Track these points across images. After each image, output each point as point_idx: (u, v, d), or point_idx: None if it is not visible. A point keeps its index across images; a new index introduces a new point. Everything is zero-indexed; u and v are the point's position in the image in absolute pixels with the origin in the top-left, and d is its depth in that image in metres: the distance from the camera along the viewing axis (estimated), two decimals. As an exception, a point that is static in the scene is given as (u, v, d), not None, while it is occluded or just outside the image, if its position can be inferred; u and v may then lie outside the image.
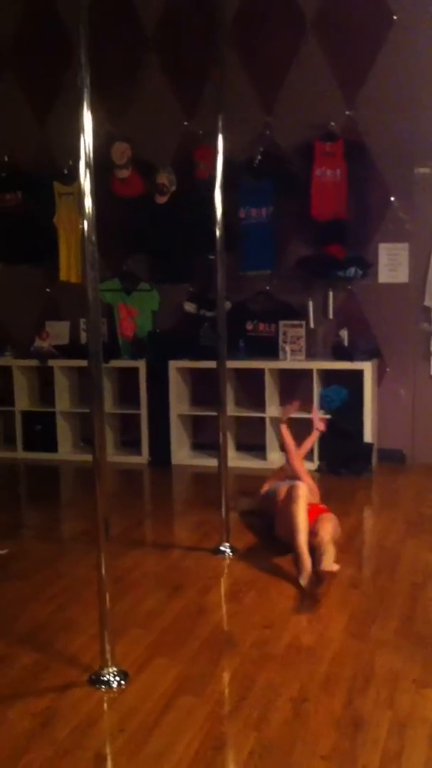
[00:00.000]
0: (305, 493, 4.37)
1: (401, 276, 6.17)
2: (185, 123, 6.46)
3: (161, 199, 6.43)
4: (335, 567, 3.83)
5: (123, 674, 3.10)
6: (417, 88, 5.97)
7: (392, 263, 6.19)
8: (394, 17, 5.97)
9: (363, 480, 5.91)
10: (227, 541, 4.46)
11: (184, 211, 6.26)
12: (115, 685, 3.06)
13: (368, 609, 3.72)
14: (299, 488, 4.35)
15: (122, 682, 3.07)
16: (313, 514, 4.31)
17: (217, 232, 4.41)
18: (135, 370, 6.52)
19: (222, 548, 4.44)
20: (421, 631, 3.49)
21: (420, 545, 4.52)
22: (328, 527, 4.18)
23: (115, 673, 3.09)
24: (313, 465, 6.12)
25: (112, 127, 6.42)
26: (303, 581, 3.90)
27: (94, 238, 2.99)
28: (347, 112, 6.13)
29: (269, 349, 6.32)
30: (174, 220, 6.33)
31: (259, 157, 6.26)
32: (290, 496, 4.34)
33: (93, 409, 3.12)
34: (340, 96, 6.14)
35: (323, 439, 6.10)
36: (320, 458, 6.13)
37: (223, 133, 4.35)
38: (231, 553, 4.43)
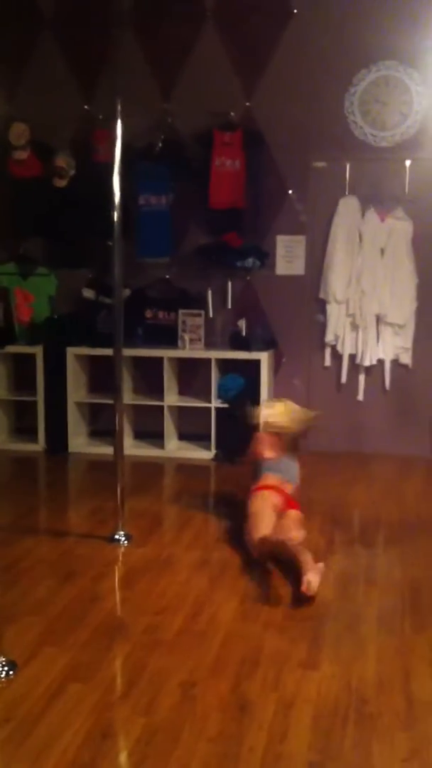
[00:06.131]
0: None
1: (298, 268, 6.28)
2: (85, 107, 6.37)
3: (59, 182, 6.33)
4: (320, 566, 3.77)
5: (11, 664, 3.06)
6: (315, 83, 6.07)
7: (289, 255, 6.30)
8: (294, 10, 6.05)
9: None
10: (122, 529, 4.46)
11: (82, 195, 6.19)
12: (3, 675, 3.02)
13: (258, 593, 3.78)
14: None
15: (10, 672, 3.03)
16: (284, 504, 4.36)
17: (115, 218, 4.38)
18: (31, 356, 6.42)
19: (116, 536, 4.44)
20: (307, 614, 3.57)
21: (310, 529, 4.61)
22: (296, 533, 4.18)
23: (3, 663, 3.05)
24: (210, 453, 6.18)
25: (10, 107, 6.28)
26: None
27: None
28: (246, 103, 6.18)
29: (168, 337, 6.33)
30: (72, 203, 6.24)
31: (160, 144, 6.24)
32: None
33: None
34: (240, 86, 6.18)
35: (220, 427, 6.17)
36: (216, 446, 6.19)
37: (121, 118, 4.31)
38: (125, 541, 4.42)
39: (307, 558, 3.74)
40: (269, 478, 4.49)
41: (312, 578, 3.61)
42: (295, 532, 4.15)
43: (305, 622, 3.50)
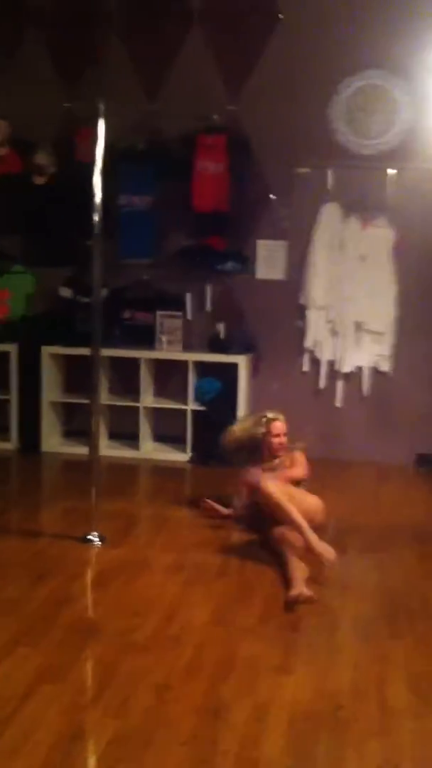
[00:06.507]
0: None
1: (278, 273, 6.28)
2: (67, 105, 6.32)
3: (40, 180, 6.28)
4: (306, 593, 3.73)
5: (-19, 664, 3.01)
6: (301, 89, 6.06)
7: (270, 260, 6.29)
8: (280, 15, 6.05)
9: (233, 471, 5.95)
10: (96, 530, 4.41)
11: (63, 194, 6.13)
12: (-28, 675, 2.97)
13: (234, 597, 3.76)
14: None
15: (-20, 672, 2.98)
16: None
17: (96, 217, 4.35)
18: (5, 355, 6.34)
19: (90, 537, 4.38)
20: (283, 618, 3.55)
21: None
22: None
23: (-27, 662, 3.00)
24: (186, 455, 6.15)
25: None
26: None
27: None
28: (230, 107, 6.17)
29: (146, 338, 6.29)
30: (52, 201, 6.19)
31: (142, 144, 6.21)
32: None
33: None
34: (224, 90, 6.17)
35: (196, 430, 6.15)
36: (192, 449, 6.16)
37: (104, 118, 4.29)
38: (99, 542, 4.37)
39: (298, 575, 3.76)
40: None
41: (294, 594, 3.63)
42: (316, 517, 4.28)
43: (281, 627, 3.47)
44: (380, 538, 4.64)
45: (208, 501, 4.82)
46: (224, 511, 4.76)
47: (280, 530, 4.14)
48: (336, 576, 4.03)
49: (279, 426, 4.67)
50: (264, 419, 4.70)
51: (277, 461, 4.66)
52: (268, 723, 2.74)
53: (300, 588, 3.67)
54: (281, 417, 4.72)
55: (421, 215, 6.00)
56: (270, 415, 4.71)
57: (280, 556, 4.04)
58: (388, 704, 2.88)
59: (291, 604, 3.63)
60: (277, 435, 4.65)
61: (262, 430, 4.66)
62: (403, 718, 2.81)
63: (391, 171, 6.02)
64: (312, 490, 4.58)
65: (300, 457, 4.67)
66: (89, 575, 4.08)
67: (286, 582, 3.80)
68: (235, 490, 4.76)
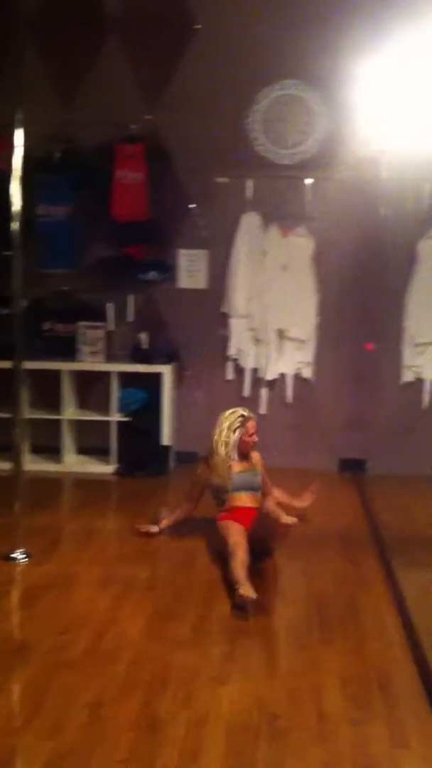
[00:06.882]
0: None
1: (200, 282, 6.28)
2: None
3: None
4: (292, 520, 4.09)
5: None
6: (219, 98, 6.08)
7: (191, 269, 6.29)
8: (197, 26, 6.07)
9: (160, 481, 5.93)
10: (20, 547, 4.30)
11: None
12: None
13: (166, 609, 3.72)
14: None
15: None
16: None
17: (14, 228, 4.27)
18: None
19: (14, 554, 4.27)
20: (216, 629, 3.53)
21: (215, 543, 4.58)
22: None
23: None
24: (110, 467, 6.08)
25: None
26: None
27: None
28: (148, 116, 6.15)
29: (67, 349, 6.19)
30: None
31: (59, 153, 6.13)
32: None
33: None
34: (142, 99, 6.15)
35: (121, 441, 6.08)
36: (118, 461, 6.09)
37: (21, 127, 4.22)
38: (24, 559, 4.27)
39: (242, 574, 3.78)
40: (240, 499, 4.44)
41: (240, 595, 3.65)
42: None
43: (214, 637, 3.45)
44: (308, 544, 4.66)
45: (140, 527, 4.73)
46: (153, 529, 4.70)
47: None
48: (267, 584, 4.03)
49: (253, 424, 4.62)
50: (240, 418, 4.58)
51: (246, 461, 4.60)
52: (206, 736, 2.71)
53: (246, 587, 3.66)
54: (252, 414, 4.68)
55: (340, 223, 6.09)
56: (245, 413, 4.61)
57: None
58: (325, 711, 2.89)
59: (239, 605, 3.64)
60: (252, 434, 4.60)
61: (242, 429, 4.55)
62: (340, 723, 2.82)
63: (308, 180, 6.10)
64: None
65: (258, 456, 4.65)
66: (15, 594, 3.97)
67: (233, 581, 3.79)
68: (165, 501, 4.72)
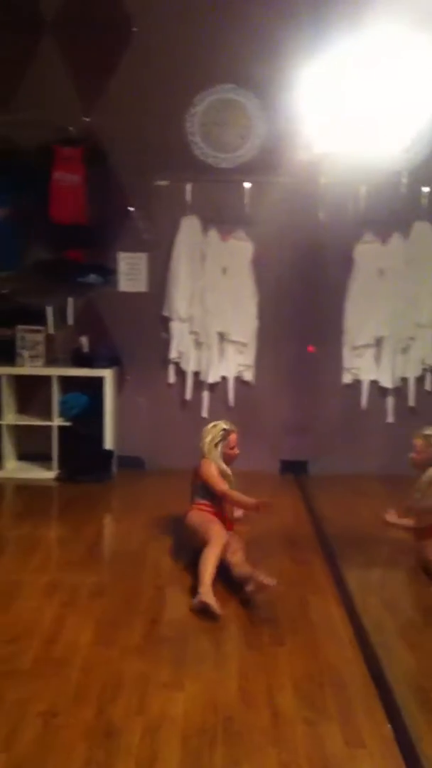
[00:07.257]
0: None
1: (140, 285, 6.26)
2: None
3: None
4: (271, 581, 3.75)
5: None
6: (157, 102, 6.08)
7: (132, 272, 6.26)
8: (134, 29, 6.05)
9: (104, 487, 5.89)
10: (-36, 556, 4.23)
11: None
12: None
13: (115, 616, 3.69)
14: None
15: None
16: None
17: None
18: None
19: (-42, 563, 4.20)
20: (166, 634, 3.52)
21: (161, 548, 4.57)
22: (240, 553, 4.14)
23: None
24: (52, 473, 6.01)
25: None
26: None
27: None
28: (86, 119, 6.11)
29: (5, 354, 6.10)
30: None
31: (-6, 155, 6.04)
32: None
33: None
34: (80, 101, 6.10)
35: (63, 446, 6.02)
36: (60, 466, 6.02)
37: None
38: (-32, 568, 4.20)
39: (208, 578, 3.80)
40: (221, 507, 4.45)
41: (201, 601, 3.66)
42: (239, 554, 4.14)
43: (164, 642, 3.44)
44: (253, 545, 4.66)
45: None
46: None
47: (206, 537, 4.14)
48: (216, 585, 4.03)
49: (235, 437, 4.60)
50: (222, 432, 4.56)
51: (228, 472, 4.57)
52: (162, 741, 2.71)
53: (209, 595, 3.69)
54: (234, 427, 4.65)
55: (278, 227, 6.14)
56: (226, 426, 4.60)
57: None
58: (279, 710, 2.92)
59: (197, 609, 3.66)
60: (233, 447, 4.59)
61: (224, 443, 4.53)
62: (294, 723, 2.84)
63: (247, 184, 6.13)
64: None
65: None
66: (-40, 603, 3.90)
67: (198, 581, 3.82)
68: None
